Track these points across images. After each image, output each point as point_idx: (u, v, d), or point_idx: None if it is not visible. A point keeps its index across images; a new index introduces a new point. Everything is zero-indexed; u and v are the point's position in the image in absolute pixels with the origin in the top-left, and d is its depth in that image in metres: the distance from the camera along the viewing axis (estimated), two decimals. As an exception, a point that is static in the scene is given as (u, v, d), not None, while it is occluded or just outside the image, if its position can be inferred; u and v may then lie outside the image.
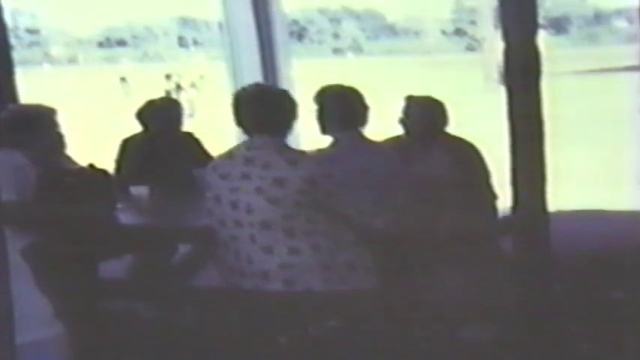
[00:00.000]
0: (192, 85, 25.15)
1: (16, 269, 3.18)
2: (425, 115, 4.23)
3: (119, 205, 4.03)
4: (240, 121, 3.36)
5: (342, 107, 3.72)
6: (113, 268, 4.04)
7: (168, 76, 24.82)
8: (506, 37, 2.93)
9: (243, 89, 3.47)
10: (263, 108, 3.32)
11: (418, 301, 3.46)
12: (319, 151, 3.74)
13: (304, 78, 5.80)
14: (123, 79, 31.69)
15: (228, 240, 3.31)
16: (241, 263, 3.27)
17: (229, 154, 3.40)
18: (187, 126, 5.08)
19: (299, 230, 3.18)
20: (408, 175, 3.82)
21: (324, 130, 3.73)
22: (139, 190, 4.36)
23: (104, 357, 3.64)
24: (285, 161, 3.21)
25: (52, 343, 3.19)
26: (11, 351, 2.83)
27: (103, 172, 3.95)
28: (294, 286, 3.18)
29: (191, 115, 15.55)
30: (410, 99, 4.27)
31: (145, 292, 4.25)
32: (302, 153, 3.48)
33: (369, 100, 3.80)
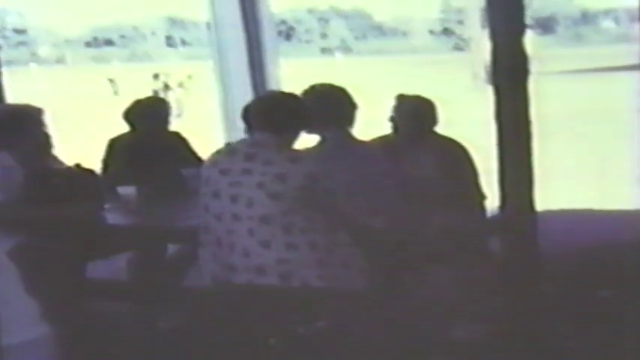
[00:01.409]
0: (180, 85, 25.02)
1: (2, 270, 3.17)
2: (415, 114, 4.23)
3: (107, 205, 4.02)
4: (247, 118, 3.57)
5: (329, 106, 3.70)
6: (101, 268, 4.03)
7: (156, 76, 24.65)
8: (494, 36, 2.93)
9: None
10: (267, 106, 3.48)
11: (409, 301, 3.46)
12: (306, 150, 3.71)
13: (292, 77, 5.79)
14: (111, 79, 31.56)
15: (223, 234, 3.30)
16: (235, 257, 3.26)
17: (230, 151, 3.44)
18: (175, 125, 5.07)
19: (297, 226, 3.21)
20: (395, 175, 3.82)
21: (311, 129, 3.70)
22: (127, 190, 4.35)
23: (91, 358, 3.63)
24: (286, 158, 3.26)
25: (39, 344, 3.18)
26: (-2, 352, 2.82)
27: (91, 172, 3.94)
28: (289, 281, 3.19)
29: (179, 115, 15.49)
30: (400, 98, 4.27)
31: (132, 291, 4.24)
32: (302, 152, 3.50)
33: (357, 99, 3.79)
